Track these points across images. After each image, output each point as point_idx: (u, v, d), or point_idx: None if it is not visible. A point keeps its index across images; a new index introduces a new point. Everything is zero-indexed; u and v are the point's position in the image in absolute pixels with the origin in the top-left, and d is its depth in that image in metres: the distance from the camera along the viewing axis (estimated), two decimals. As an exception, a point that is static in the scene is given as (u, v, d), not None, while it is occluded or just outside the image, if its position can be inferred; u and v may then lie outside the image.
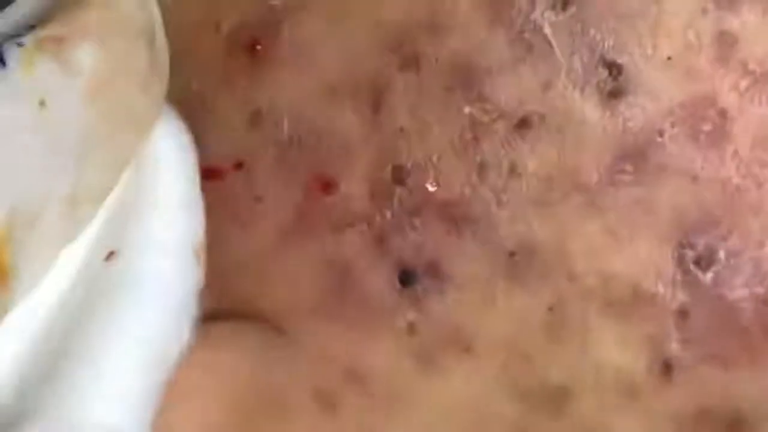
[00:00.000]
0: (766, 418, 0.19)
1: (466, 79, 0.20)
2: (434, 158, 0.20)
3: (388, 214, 0.20)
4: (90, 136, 0.19)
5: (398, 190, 0.20)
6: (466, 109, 0.20)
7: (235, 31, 0.22)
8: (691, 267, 0.19)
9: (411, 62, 0.20)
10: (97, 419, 0.18)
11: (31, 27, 0.19)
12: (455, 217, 0.20)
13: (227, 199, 0.22)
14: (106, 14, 0.20)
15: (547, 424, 0.20)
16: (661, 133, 0.19)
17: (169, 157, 0.21)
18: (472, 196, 0.20)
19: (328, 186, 0.21)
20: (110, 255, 0.20)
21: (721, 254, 0.19)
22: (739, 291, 0.18)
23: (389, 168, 0.20)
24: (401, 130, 0.20)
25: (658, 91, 0.19)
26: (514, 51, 0.19)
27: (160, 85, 0.21)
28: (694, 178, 0.19)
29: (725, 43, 0.19)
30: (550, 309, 0.19)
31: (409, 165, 0.20)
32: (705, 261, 0.19)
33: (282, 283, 0.21)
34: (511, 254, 0.20)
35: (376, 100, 0.20)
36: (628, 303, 0.19)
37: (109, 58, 0.20)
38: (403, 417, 0.21)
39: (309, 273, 0.21)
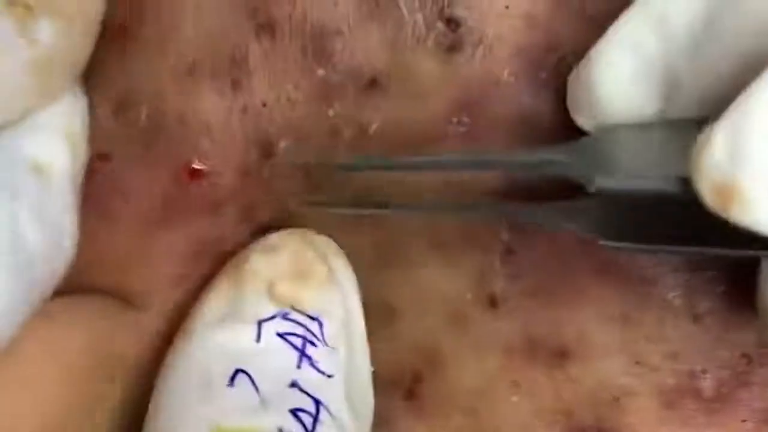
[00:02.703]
0: (592, 348, 0.19)
1: (318, 40, 0.21)
2: (295, 125, 0.21)
3: (258, 188, 0.21)
4: (14, 97, 0.20)
5: (267, 163, 0.21)
6: (320, 72, 0.21)
7: (107, 17, 0.22)
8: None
9: (266, 28, 0.21)
10: None
11: None
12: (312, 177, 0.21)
13: (92, 193, 0.22)
14: (79, 3, 0.20)
15: (373, 335, 0.21)
16: (497, 83, 0.20)
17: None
18: (328, 156, 0.21)
19: (194, 173, 0.21)
20: None
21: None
22: (565, 231, 0.19)
23: (256, 145, 0.21)
24: (264, 105, 0.21)
25: (496, 42, 0.20)
26: (362, 9, 0.20)
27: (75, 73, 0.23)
28: (523, 119, 0.20)
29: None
30: (377, 245, 0.21)
31: (274, 137, 0.21)
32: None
33: (145, 269, 0.22)
34: (353, 197, 0.21)
35: (235, 76, 0.21)
36: (456, 241, 0.20)
37: (62, 44, 0.20)
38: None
39: (176, 257, 0.22)
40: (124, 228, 0.21)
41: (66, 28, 0.20)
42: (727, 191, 0.14)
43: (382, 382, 0.21)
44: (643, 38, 0.17)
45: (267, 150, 0.21)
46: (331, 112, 0.21)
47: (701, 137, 0.15)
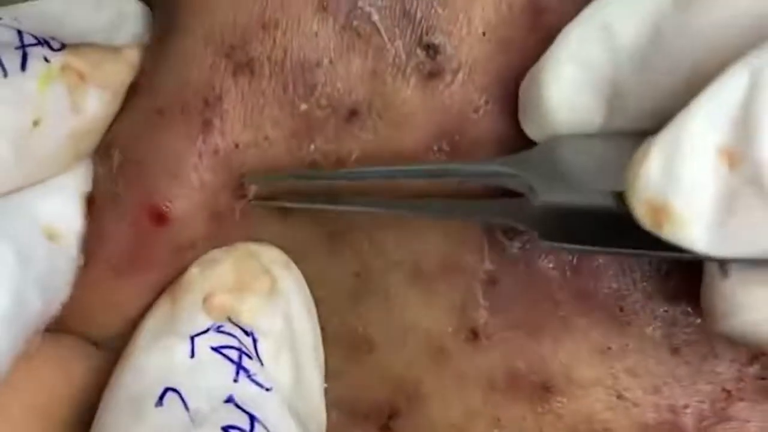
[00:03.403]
0: (575, 383, 0.19)
1: (300, 75, 0.20)
2: (270, 164, 0.20)
3: (230, 225, 0.21)
4: (49, 162, 0.20)
5: (237, 205, 0.21)
6: (303, 107, 0.20)
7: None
8: (499, 237, 0.19)
9: (244, 66, 0.20)
10: None
11: (54, 41, 0.19)
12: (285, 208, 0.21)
13: None
14: (125, 76, 0.21)
15: (349, 367, 0.21)
16: (476, 110, 0.20)
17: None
18: (305, 188, 0.21)
19: (159, 217, 0.21)
20: None
21: (529, 224, 0.19)
22: (546, 259, 0.19)
23: (227, 187, 0.20)
24: (236, 146, 0.20)
25: (474, 67, 0.20)
26: (344, 40, 0.20)
27: None
28: (502, 144, 0.19)
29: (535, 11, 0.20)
30: (357, 275, 0.20)
31: (246, 181, 0.20)
32: (513, 230, 0.19)
33: (113, 314, 0.21)
34: (330, 231, 0.21)
35: (207, 117, 0.20)
36: (436, 272, 0.20)
37: (102, 114, 0.20)
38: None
39: (144, 302, 0.21)
40: (95, 272, 0.21)
41: (111, 99, 0.20)
42: (659, 209, 0.15)
43: (357, 416, 0.21)
44: (589, 50, 0.17)
45: (238, 192, 0.20)
46: (312, 147, 0.20)
47: (636, 153, 0.15)
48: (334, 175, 0.20)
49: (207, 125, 0.20)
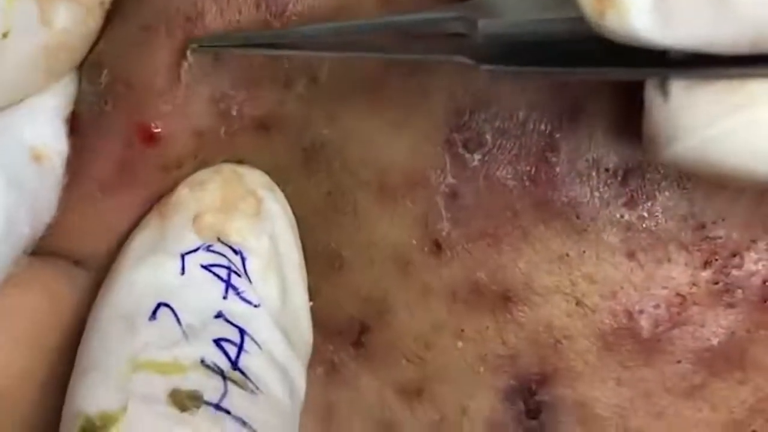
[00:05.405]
0: (535, 291, 0.20)
1: None
2: (250, 81, 0.21)
3: (215, 144, 0.21)
4: (24, 79, 0.20)
5: (224, 123, 0.21)
6: (275, 23, 0.20)
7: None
8: (460, 150, 0.20)
9: None
10: None
11: None
12: (267, 124, 0.21)
13: None
14: None
15: (322, 285, 0.21)
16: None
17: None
18: (280, 105, 0.21)
19: (150, 136, 0.21)
20: None
21: (488, 136, 0.20)
22: (505, 170, 0.20)
23: (212, 101, 0.21)
24: (215, 57, 0.21)
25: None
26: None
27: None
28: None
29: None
30: (329, 194, 0.21)
31: (231, 92, 0.21)
32: (473, 143, 0.20)
33: (100, 231, 0.22)
34: (304, 149, 0.21)
35: (189, 31, 0.21)
36: (400, 187, 0.20)
37: (75, 29, 0.20)
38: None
39: (132, 219, 0.21)
40: (81, 189, 0.21)
41: (81, 14, 0.20)
42: None
43: (331, 332, 0.21)
44: None
45: (224, 111, 0.21)
46: (283, 65, 0.21)
47: None
48: (278, 34, 0.20)
49: (188, 32, 0.20)
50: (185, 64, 0.21)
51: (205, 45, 0.21)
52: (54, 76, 0.21)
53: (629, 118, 0.19)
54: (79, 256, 0.22)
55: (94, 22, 0.21)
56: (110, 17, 0.21)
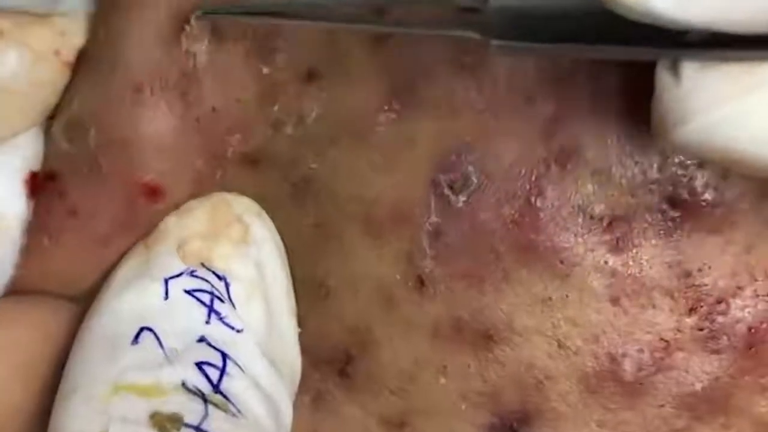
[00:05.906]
0: (516, 331, 0.20)
1: (263, 38, 0.21)
2: (246, 127, 0.21)
3: (210, 184, 0.21)
4: None
5: (219, 166, 0.21)
6: (265, 70, 0.21)
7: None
8: (445, 191, 0.20)
9: (215, 31, 0.21)
10: None
11: None
12: (256, 159, 0.22)
13: (40, 213, 0.22)
14: (52, 42, 0.21)
15: (309, 314, 0.21)
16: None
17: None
18: (269, 145, 0.21)
19: (154, 192, 0.21)
20: None
21: (474, 178, 0.20)
22: (489, 212, 0.20)
23: (208, 150, 0.21)
24: (213, 110, 0.21)
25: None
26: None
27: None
28: (453, 110, 0.20)
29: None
30: (317, 226, 0.21)
31: (226, 137, 0.21)
32: (459, 185, 0.20)
33: (97, 273, 0.22)
34: (293, 184, 0.21)
35: (183, 88, 0.21)
36: (386, 223, 0.20)
37: (24, 75, 0.20)
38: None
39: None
40: (74, 244, 0.22)
41: (32, 63, 0.20)
42: None
43: (317, 361, 0.22)
44: None
45: (218, 152, 0.21)
46: (273, 109, 0.21)
47: None
48: (277, 7, 0.20)
49: (185, 96, 0.21)
50: (185, 117, 0.21)
51: (209, 13, 0.21)
52: (6, 127, 0.21)
53: (618, 165, 0.20)
54: (71, 293, 0.22)
55: (51, 72, 0.21)
56: (83, 75, 0.21)
